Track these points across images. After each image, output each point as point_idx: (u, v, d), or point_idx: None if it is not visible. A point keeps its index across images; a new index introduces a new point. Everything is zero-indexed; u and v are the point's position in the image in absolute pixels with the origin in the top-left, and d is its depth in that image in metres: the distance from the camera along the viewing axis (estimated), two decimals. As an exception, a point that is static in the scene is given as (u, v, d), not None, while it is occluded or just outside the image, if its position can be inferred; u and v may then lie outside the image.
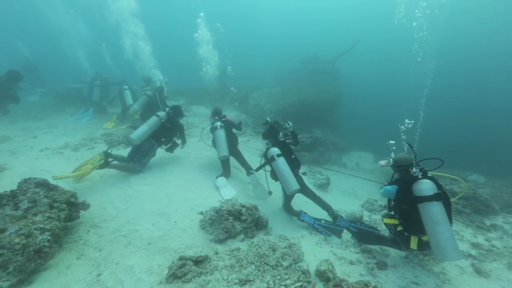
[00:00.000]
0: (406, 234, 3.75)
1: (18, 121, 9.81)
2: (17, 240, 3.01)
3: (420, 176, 3.60)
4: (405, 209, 3.68)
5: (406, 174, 3.80)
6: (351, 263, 3.91)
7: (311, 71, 17.19)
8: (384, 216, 4.16)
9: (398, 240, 3.89)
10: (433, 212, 3.32)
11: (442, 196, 3.41)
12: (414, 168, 3.74)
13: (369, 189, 7.97)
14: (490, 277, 3.89)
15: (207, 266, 3.36)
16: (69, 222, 3.95)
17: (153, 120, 5.83)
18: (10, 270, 2.84)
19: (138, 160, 5.72)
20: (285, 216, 5.03)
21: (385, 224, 4.11)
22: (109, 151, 5.53)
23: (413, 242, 3.65)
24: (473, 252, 4.57)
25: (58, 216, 3.58)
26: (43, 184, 3.95)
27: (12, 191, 3.75)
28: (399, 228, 3.85)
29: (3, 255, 2.87)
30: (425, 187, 3.45)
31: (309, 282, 3.28)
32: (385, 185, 4.04)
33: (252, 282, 3.16)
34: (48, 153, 6.86)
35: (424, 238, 3.58)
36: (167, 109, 6.22)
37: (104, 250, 3.57)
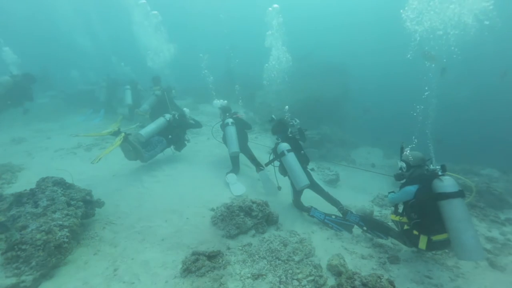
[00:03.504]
0: (415, 233, 3.64)
1: (32, 122, 10.10)
2: (38, 236, 3.13)
3: (440, 173, 3.48)
4: (425, 208, 3.51)
5: (423, 171, 3.71)
6: (363, 257, 3.92)
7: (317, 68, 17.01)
8: (392, 212, 4.12)
9: (406, 238, 3.81)
10: (459, 209, 3.21)
11: (464, 194, 3.33)
12: (431, 165, 3.66)
13: (379, 185, 7.90)
14: (505, 270, 3.84)
15: (220, 261, 3.42)
16: (85, 219, 4.07)
17: (160, 120, 6.35)
18: (33, 264, 2.96)
19: (147, 150, 5.97)
20: (295, 211, 5.05)
21: (393, 221, 4.08)
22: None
23: (422, 242, 3.53)
24: (488, 246, 4.51)
25: (75, 214, 3.71)
26: (60, 183, 4.09)
27: (31, 189, 3.89)
28: (406, 227, 3.79)
29: (26, 250, 3.00)
30: (449, 183, 3.33)
31: (321, 276, 3.31)
32: (390, 192, 4.01)
33: (264, 277, 3.21)
34: (62, 153, 7.05)
35: (435, 238, 3.48)
36: (173, 112, 6.53)
37: (120, 246, 3.68)
